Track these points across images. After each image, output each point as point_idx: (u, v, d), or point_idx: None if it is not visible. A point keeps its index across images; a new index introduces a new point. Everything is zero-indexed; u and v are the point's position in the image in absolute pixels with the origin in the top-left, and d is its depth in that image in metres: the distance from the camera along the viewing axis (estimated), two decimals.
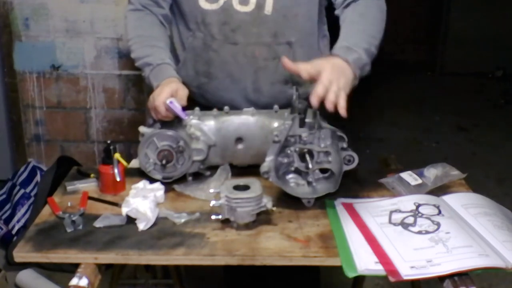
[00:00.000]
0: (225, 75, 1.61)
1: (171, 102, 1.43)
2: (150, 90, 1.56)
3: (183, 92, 1.48)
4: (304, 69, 1.34)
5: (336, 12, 1.63)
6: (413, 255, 1.17)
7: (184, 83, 1.55)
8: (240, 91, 1.62)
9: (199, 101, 1.62)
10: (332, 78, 1.31)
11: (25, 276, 2.41)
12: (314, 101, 1.29)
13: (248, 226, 1.30)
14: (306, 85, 1.46)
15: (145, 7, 1.62)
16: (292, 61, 1.40)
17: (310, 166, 1.36)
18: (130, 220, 1.32)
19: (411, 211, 1.34)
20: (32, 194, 2.64)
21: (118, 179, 1.46)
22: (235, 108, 1.56)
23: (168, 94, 1.45)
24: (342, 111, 1.29)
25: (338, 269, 1.18)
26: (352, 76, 1.40)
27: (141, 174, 1.51)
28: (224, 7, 1.53)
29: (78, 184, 1.51)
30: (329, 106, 1.29)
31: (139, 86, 2.78)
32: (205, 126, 1.51)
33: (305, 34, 1.61)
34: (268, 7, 1.53)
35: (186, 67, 1.64)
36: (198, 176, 1.53)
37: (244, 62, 1.58)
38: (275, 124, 1.50)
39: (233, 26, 1.55)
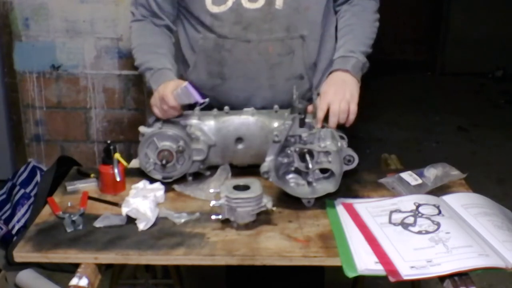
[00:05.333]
0: (239, 74, 1.60)
1: (186, 87, 1.41)
2: (150, 91, 1.56)
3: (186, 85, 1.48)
4: (321, 116, 1.44)
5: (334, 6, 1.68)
6: (413, 255, 1.17)
7: (196, 86, 1.55)
8: (255, 90, 1.61)
9: (212, 104, 1.56)
10: (339, 99, 1.45)
11: (25, 276, 2.41)
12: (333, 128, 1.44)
13: (248, 226, 1.30)
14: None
15: (145, 17, 1.64)
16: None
17: (310, 166, 1.36)
18: (130, 220, 1.32)
19: (411, 211, 1.34)
20: (32, 194, 2.63)
21: (118, 179, 1.46)
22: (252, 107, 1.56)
23: (174, 87, 1.45)
24: (352, 116, 1.46)
25: (338, 269, 1.18)
26: (355, 81, 1.52)
27: (141, 174, 1.51)
28: (233, 7, 1.53)
29: (78, 184, 1.51)
30: (347, 124, 1.47)
31: (139, 86, 2.78)
32: (205, 126, 1.51)
33: (317, 26, 1.61)
34: (279, 2, 1.53)
35: (197, 70, 1.64)
36: (198, 176, 1.53)
37: (258, 60, 1.57)
38: (275, 124, 1.50)
39: (245, 24, 1.54)
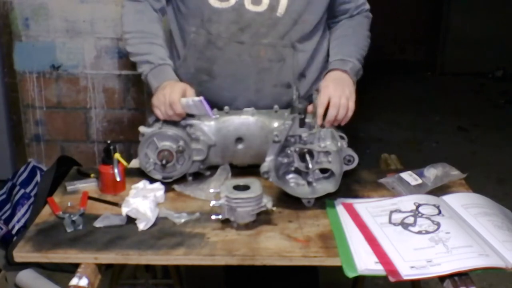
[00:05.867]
0: (227, 73, 1.60)
1: (201, 101, 1.42)
2: (150, 90, 1.56)
3: (191, 92, 1.49)
4: (321, 111, 1.44)
5: (329, 23, 1.72)
6: (413, 255, 1.17)
7: (184, 80, 1.56)
8: (242, 91, 1.61)
9: None
10: (339, 94, 1.46)
11: (25, 276, 2.41)
12: (330, 124, 1.43)
13: (248, 226, 1.30)
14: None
15: None
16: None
17: (310, 166, 1.36)
18: (130, 220, 1.32)
19: (411, 211, 1.34)
20: (32, 194, 2.63)
21: (118, 179, 1.46)
22: (235, 108, 1.56)
23: (181, 93, 1.46)
24: (350, 113, 1.46)
25: (338, 269, 1.18)
26: (352, 82, 1.54)
27: (141, 174, 1.51)
28: (235, 6, 1.53)
29: (78, 184, 1.51)
30: (344, 122, 1.47)
31: (139, 86, 2.78)
32: (205, 126, 1.51)
33: (310, 40, 1.63)
34: (281, 9, 1.54)
35: (186, 64, 1.64)
36: (198, 176, 1.53)
37: (249, 62, 1.58)
38: (275, 124, 1.50)
39: (242, 25, 1.54)
